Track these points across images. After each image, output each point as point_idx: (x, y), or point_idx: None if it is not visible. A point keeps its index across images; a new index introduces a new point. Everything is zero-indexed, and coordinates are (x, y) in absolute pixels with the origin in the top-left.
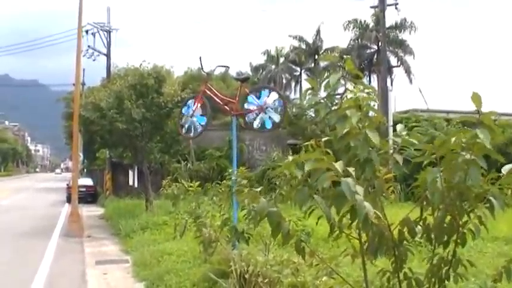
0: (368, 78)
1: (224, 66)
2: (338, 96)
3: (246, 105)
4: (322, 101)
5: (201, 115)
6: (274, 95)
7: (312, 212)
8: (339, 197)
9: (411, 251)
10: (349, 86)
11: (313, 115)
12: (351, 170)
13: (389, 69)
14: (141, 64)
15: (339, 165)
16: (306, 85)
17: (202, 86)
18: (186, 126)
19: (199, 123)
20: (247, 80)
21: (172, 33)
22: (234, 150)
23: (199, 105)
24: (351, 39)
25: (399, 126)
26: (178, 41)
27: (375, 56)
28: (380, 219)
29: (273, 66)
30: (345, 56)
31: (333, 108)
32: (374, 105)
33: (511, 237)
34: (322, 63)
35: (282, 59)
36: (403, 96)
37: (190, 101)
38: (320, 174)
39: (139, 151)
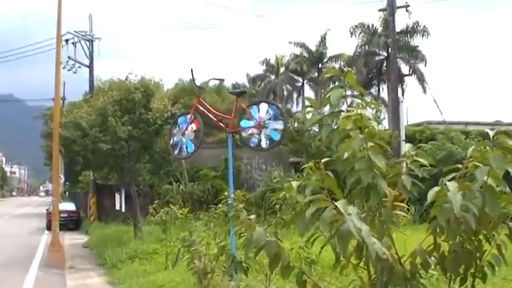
0: (377, 88)
1: (218, 79)
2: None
3: (242, 122)
4: (323, 119)
5: (194, 132)
6: (273, 110)
7: (316, 239)
8: (344, 235)
9: (425, 286)
10: (355, 101)
11: (317, 130)
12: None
13: (401, 78)
14: (127, 77)
15: (341, 205)
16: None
17: (195, 100)
18: (178, 144)
19: (192, 142)
20: (243, 93)
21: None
22: (230, 170)
23: (191, 121)
24: (357, 46)
25: (408, 146)
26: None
27: (385, 64)
28: (390, 248)
29: (273, 77)
30: (345, 69)
31: (336, 127)
32: (381, 121)
33: None
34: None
35: (282, 69)
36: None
37: (181, 117)
38: (320, 205)
39: (127, 172)
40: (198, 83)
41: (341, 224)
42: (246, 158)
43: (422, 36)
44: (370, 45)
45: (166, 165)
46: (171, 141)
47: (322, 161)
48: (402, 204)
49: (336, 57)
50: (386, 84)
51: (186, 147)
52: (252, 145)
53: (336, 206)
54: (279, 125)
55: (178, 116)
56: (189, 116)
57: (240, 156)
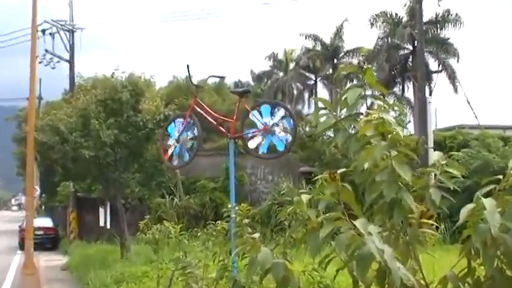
0: (401, 87)
1: (218, 76)
2: (362, 117)
3: (246, 125)
4: (339, 123)
5: (190, 138)
6: (282, 112)
7: (330, 261)
8: (363, 258)
9: None
10: (376, 102)
11: (332, 135)
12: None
13: (428, 75)
14: (113, 73)
15: (361, 224)
16: (320, 98)
17: (191, 101)
18: (171, 151)
19: (188, 148)
20: (247, 93)
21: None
22: (232, 181)
23: (187, 125)
24: (378, 38)
25: (436, 154)
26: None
27: (410, 59)
28: (416, 273)
29: (281, 74)
30: (364, 65)
31: (354, 132)
32: (406, 125)
33: None
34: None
35: (292, 65)
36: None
37: (176, 120)
38: (335, 225)
39: (112, 183)
40: (195, 80)
41: (360, 246)
42: (250, 167)
43: (454, 26)
44: (393, 37)
45: (158, 176)
46: (164, 147)
47: (338, 171)
48: (430, 222)
49: (354, 52)
50: (411, 82)
51: (181, 154)
52: (257, 153)
53: (354, 225)
54: (288, 130)
55: (172, 119)
56: (184, 119)
57: (243, 165)
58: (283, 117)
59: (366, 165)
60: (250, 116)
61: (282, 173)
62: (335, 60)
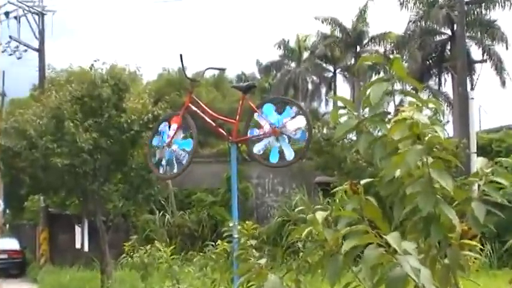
0: (437, 80)
1: (218, 68)
2: (390, 117)
3: (251, 127)
4: (362, 124)
5: (184, 140)
6: (293, 111)
7: None
8: (396, 282)
9: None
10: (407, 99)
11: (354, 138)
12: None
13: (470, 66)
14: (91, 65)
15: (393, 239)
16: (339, 96)
17: (186, 97)
18: (162, 159)
19: (182, 155)
20: (252, 88)
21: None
22: (234, 194)
23: (180, 127)
24: (410, 22)
25: (481, 161)
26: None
27: (448, 46)
28: None
29: (293, 65)
30: (392, 56)
31: (380, 135)
32: (444, 125)
33: None
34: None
35: (306, 54)
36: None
37: (167, 121)
38: (360, 241)
39: (91, 197)
40: (189, 73)
41: (392, 267)
42: (256, 176)
43: (503, 6)
44: (427, 20)
45: (146, 187)
46: (153, 154)
47: (362, 182)
48: (473, 243)
49: (380, 38)
50: (450, 74)
51: (174, 162)
52: (264, 160)
53: (383, 241)
54: (301, 132)
55: (162, 120)
56: (177, 119)
57: (247, 174)
58: (295, 117)
59: (396, 174)
60: (256, 116)
61: (294, 184)
62: (358, 48)
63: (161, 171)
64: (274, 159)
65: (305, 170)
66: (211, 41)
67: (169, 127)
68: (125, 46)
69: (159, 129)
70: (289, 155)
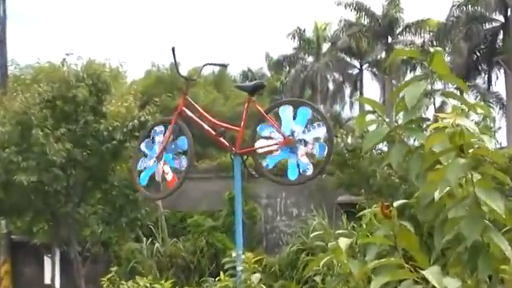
0: (487, 78)
1: (219, 64)
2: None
3: (259, 136)
4: (395, 132)
5: (178, 153)
6: (310, 116)
7: None
8: None
9: None
10: (450, 102)
11: (384, 149)
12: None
13: None
14: (64, 60)
15: (433, 274)
16: (366, 98)
17: (179, 100)
18: (150, 175)
19: (174, 169)
20: (260, 88)
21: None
22: (238, 217)
23: (173, 136)
24: (453, 6)
25: None
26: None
27: (500, 36)
28: None
29: (310, 59)
30: (431, 49)
31: (417, 146)
32: (494, 134)
33: None
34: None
35: (326, 46)
36: None
37: (156, 129)
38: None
39: (63, 222)
40: (184, 70)
41: None
42: (266, 196)
43: None
44: (475, 4)
45: (131, 210)
46: (140, 168)
47: (395, 203)
48: None
49: (417, 26)
50: (502, 70)
51: (169, 171)
52: (275, 175)
53: (421, 276)
54: (320, 145)
55: (151, 127)
56: (168, 128)
57: (255, 193)
58: (312, 124)
59: (436, 194)
60: (265, 122)
61: (311, 205)
62: (389, 39)
63: (151, 189)
64: (293, 175)
65: (325, 187)
66: (210, 30)
67: (160, 135)
68: (105, 37)
69: (148, 138)
70: (306, 169)
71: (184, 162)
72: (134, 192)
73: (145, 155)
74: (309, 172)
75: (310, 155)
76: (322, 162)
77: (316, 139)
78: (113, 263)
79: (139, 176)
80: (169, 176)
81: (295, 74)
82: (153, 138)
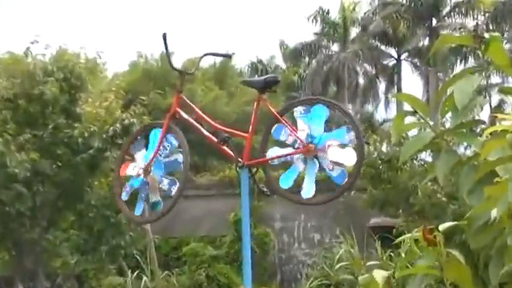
0: None
1: (221, 55)
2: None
3: (272, 143)
4: (441, 139)
5: (168, 166)
6: (323, 113)
7: None
8: None
9: None
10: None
11: (429, 160)
12: None
13: None
14: (27, 49)
15: None
16: (405, 89)
17: (173, 98)
18: (137, 193)
19: (166, 185)
20: (273, 84)
21: None
22: (246, 244)
23: (164, 144)
24: None
25: None
26: None
27: None
28: None
29: (335, 47)
30: (487, 35)
31: (469, 156)
32: None
33: None
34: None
35: (354, 31)
36: None
37: (144, 135)
38: None
39: (28, 250)
40: (178, 62)
41: None
42: (280, 217)
43: None
44: None
45: (113, 235)
46: (124, 185)
47: (440, 226)
48: None
49: (469, 6)
50: None
51: (154, 199)
52: (293, 193)
53: None
54: (347, 151)
55: (137, 133)
56: (159, 135)
57: (267, 214)
58: (338, 128)
59: (493, 215)
60: (278, 128)
61: (337, 229)
62: (434, 22)
63: (138, 211)
64: (307, 192)
65: (354, 207)
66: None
67: (149, 143)
68: (80, 21)
69: (135, 145)
70: (329, 185)
71: (177, 176)
72: (116, 214)
73: (131, 170)
74: (338, 183)
75: (335, 165)
76: (351, 175)
77: (342, 146)
78: None
79: (127, 198)
80: (172, 193)
81: (317, 65)
82: (139, 147)
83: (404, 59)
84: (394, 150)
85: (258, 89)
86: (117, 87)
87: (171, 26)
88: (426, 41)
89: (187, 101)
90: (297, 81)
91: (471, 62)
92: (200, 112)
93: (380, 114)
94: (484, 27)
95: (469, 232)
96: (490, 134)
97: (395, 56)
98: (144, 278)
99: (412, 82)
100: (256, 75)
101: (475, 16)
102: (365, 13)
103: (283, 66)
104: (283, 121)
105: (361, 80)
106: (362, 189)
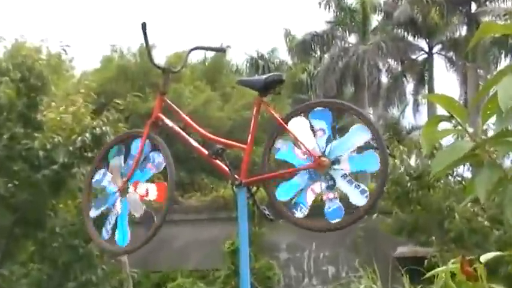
0: None
1: (213, 49)
2: None
3: (279, 154)
4: (481, 150)
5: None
6: (356, 133)
7: None
8: None
9: None
10: None
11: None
12: None
13: None
14: None
15: None
16: (438, 89)
17: (155, 102)
18: (111, 218)
19: (146, 210)
20: (277, 84)
21: None
22: (245, 279)
23: (143, 158)
24: None
25: None
26: None
27: None
28: None
29: (352, 39)
30: None
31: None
32: None
33: None
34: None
35: (376, 19)
36: None
37: (119, 148)
38: None
39: None
40: (161, 57)
41: None
42: (286, 247)
43: None
44: None
45: (82, 270)
46: (96, 208)
47: (482, 256)
48: None
49: None
50: None
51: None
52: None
53: None
54: (369, 164)
55: (111, 144)
56: (138, 146)
57: (270, 243)
58: (357, 144)
59: None
60: (283, 138)
61: (356, 260)
62: (473, 8)
63: (112, 239)
64: (336, 216)
65: (376, 234)
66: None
67: (128, 157)
68: (40, 9)
69: (109, 159)
70: (348, 208)
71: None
72: (86, 243)
73: (103, 192)
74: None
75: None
76: (373, 194)
77: (363, 161)
78: None
79: (100, 224)
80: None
81: (331, 61)
82: (113, 162)
83: (437, 52)
84: (425, 164)
85: (258, 90)
86: (87, 89)
87: (153, 15)
88: (464, 31)
89: (173, 105)
90: (306, 81)
91: None
92: (188, 118)
93: (407, 120)
94: None
95: None
96: None
97: (426, 49)
98: None
99: (446, 80)
100: (256, 74)
101: None
102: None
103: (289, 62)
104: (289, 129)
105: (384, 79)
106: (386, 211)
